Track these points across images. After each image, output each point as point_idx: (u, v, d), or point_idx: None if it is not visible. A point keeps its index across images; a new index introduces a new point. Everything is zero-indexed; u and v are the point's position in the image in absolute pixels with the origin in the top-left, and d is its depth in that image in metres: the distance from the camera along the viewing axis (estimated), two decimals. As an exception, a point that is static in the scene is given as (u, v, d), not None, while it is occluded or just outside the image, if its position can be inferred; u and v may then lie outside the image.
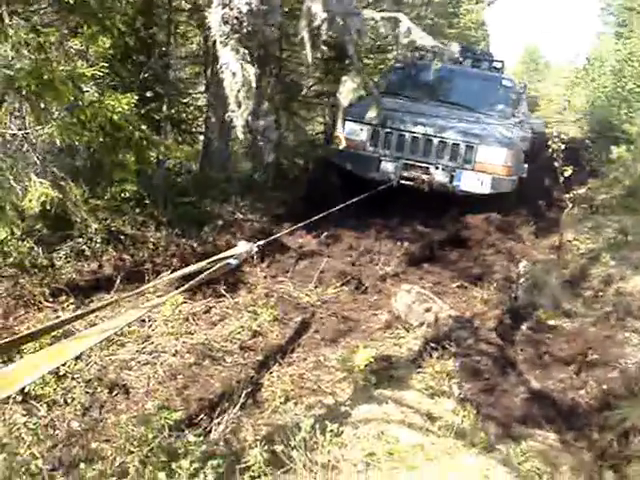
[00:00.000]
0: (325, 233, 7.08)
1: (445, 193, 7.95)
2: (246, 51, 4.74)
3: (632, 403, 4.16)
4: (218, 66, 4.88)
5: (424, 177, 7.91)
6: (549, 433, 3.90)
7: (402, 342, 4.98)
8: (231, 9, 4.53)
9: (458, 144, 7.98)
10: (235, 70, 4.70)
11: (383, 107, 7.85)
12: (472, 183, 7.91)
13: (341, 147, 8.19)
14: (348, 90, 5.61)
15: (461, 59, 10.38)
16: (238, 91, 4.77)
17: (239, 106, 4.89)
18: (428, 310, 5.24)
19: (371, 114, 7.51)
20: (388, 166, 8.06)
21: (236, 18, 4.55)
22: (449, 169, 7.97)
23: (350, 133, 8.19)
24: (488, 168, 7.93)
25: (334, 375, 4.40)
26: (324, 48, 6.22)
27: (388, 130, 8.10)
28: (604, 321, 5.48)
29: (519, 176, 8.26)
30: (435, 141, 8.01)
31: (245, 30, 4.67)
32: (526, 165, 8.50)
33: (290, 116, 10.52)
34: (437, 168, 7.97)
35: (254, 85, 4.83)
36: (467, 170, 7.96)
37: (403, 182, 7.93)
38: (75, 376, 4.06)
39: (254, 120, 6.79)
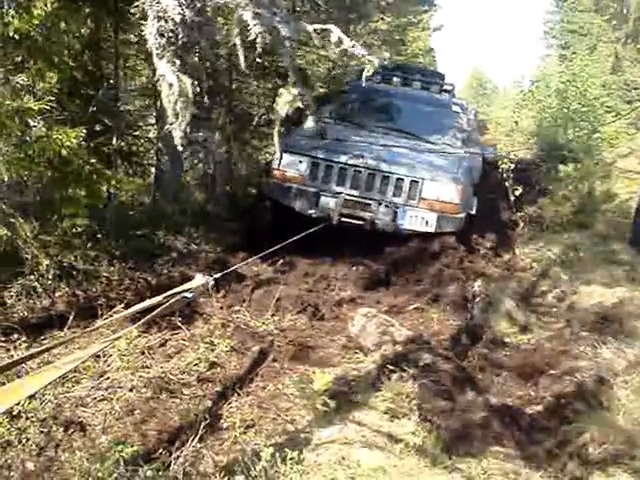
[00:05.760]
0: (280, 260, 7.02)
1: (388, 232, 7.44)
2: (182, 63, 4.80)
3: (589, 415, 4.22)
4: (155, 79, 4.91)
5: (365, 215, 7.40)
6: (510, 449, 3.92)
7: (361, 366, 4.97)
8: (166, 21, 4.57)
9: (402, 179, 7.44)
10: (172, 81, 4.73)
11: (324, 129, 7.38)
12: (416, 222, 7.38)
13: (276, 180, 7.61)
14: (284, 102, 5.56)
15: (410, 81, 10.09)
16: (175, 102, 4.80)
17: (177, 117, 4.91)
18: (385, 333, 5.25)
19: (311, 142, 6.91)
20: (328, 202, 7.47)
21: (171, 30, 4.60)
22: (393, 206, 7.42)
23: (288, 165, 7.64)
24: (434, 206, 7.38)
25: (293, 402, 4.38)
26: (259, 60, 6.25)
27: (329, 163, 7.56)
28: (559, 336, 5.57)
29: (468, 213, 7.66)
30: (378, 175, 7.46)
31: (180, 42, 4.74)
32: (476, 200, 7.97)
33: (242, 146, 10.52)
34: (380, 204, 7.41)
35: (191, 95, 4.87)
36: (412, 207, 7.41)
37: (343, 220, 7.41)
38: (29, 415, 3.95)
39: (194, 131, 6.83)
